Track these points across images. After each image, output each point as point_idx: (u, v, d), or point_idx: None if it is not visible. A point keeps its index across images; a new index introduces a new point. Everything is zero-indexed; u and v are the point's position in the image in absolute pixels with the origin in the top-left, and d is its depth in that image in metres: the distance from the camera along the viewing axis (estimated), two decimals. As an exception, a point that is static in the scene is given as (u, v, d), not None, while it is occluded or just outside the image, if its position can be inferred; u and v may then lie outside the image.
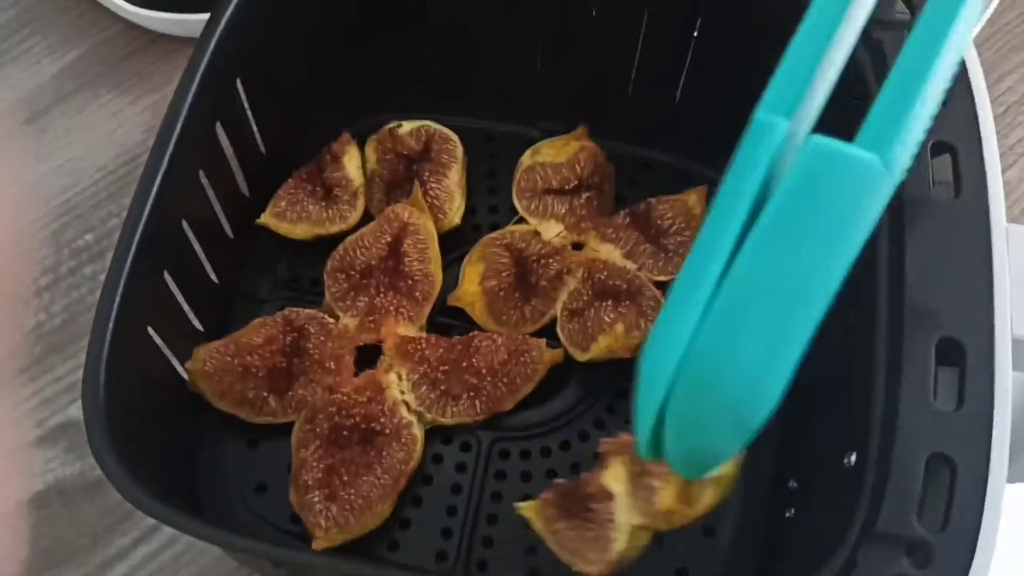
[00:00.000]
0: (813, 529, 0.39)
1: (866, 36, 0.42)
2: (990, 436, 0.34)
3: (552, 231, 0.50)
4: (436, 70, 0.53)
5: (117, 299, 0.37)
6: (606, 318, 0.47)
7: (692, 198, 0.51)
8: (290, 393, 0.45)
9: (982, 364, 0.35)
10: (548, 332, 0.48)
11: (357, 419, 0.44)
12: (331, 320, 0.47)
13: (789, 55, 0.32)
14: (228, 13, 0.43)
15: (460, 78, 0.53)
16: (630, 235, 0.50)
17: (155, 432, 0.42)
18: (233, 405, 0.45)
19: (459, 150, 0.52)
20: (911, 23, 0.41)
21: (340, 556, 0.42)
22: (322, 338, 0.46)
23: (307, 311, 0.47)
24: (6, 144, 0.58)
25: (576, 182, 0.51)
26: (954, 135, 0.39)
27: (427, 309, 0.48)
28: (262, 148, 0.50)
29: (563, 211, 0.50)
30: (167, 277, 0.41)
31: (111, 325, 0.37)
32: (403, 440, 0.44)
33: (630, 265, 0.49)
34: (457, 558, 0.43)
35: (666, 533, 0.40)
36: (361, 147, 0.52)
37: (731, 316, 0.28)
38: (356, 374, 0.46)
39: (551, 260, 0.49)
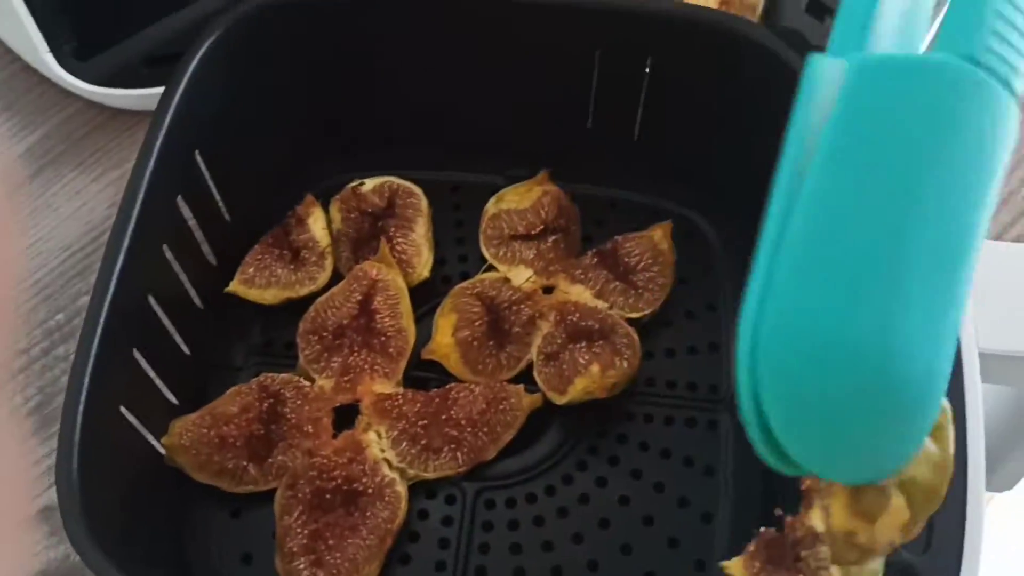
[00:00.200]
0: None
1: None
2: (965, 451, 0.34)
3: (522, 277, 0.50)
4: (395, 127, 0.53)
5: (86, 382, 0.37)
6: (581, 359, 0.47)
7: (658, 233, 0.51)
8: (270, 460, 0.45)
9: (952, 379, 0.35)
10: (525, 377, 0.48)
11: (339, 481, 0.44)
12: (307, 383, 0.47)
13: None
14: (182, 86, 0.44)
15: (420, 133, 0.53)
16: (599, 275, 0.50)
17: (135, 511, 0.42)
18: (213, 477, 0.44)
19: (424, 203, 0.52)
20: None
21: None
22: (298, 402, 0.46)
23: (282, 376, 0.47)
24: None
25: (542, 226, 0.51)
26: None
27: (402, 364, 0.48)
28: (227, 217, 0.50)
29: (531, 256, 0.51)
30: (137, 355, 0.41)
31: (81, 408, 0.37)
32: (387, 498, 0.44)
33: (601, 304, 0.49)
34: (449, 614, 0.43)
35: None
36: (325, 208, 0.52)
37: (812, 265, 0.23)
38: (335, 435, 0.46)
39: (523, 306, 0.49)
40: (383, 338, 0.48)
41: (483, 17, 0.49)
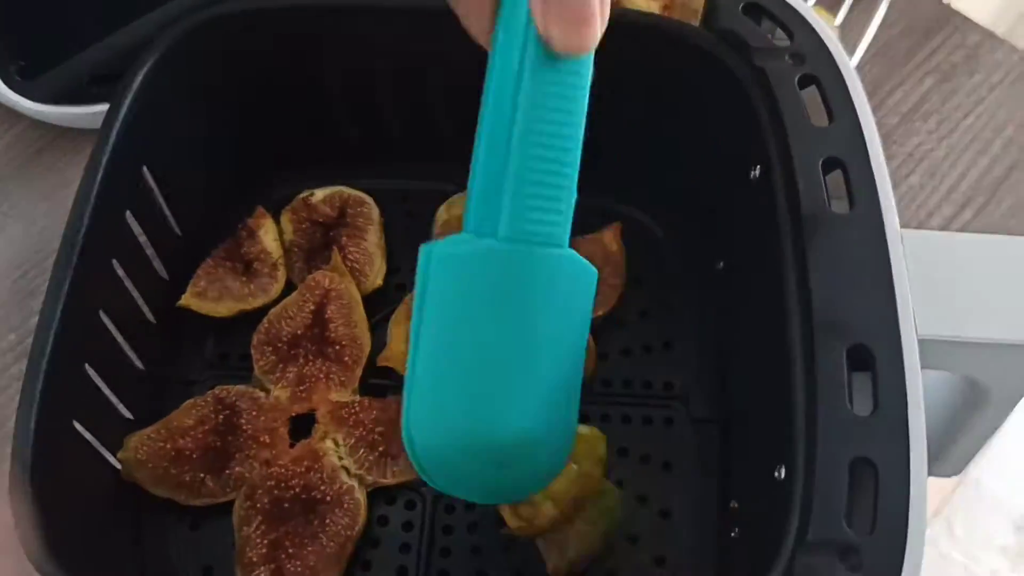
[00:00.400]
0: (754, 545, 0.40)
1: (750, 64, 0.44)
2: (907, 435, 0.35)
3: (474, 282, 0.50)
4: (344, 136, 0.54)
5: (37, 398, 0.37)
6: (535, 361, 0.47)
7: (608, 235, 0.52)
8: (227, 472, 0.45)
9: (892, 367, 0.36)
10: (481, 382, 0.48)
11: (297, 490, 0.44)
12: (262, 394, 0.47)
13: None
14: (127, 102, 0.44)
15: (369, 141, 0.54)
16: (551, 277, 0.51)
17: (92, 527, 0.42)
18: (170, 490, 0.44)
19: (375, 212, 0.52)
20: (789, 49, 0.43)
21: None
22: (254, 413, 0.46)
23: (238, 388, 0.47)
24: None
25: (493, 231, 0.51)
26: (842, 150, 0.41)
27: (358, 373, 0.48)
28: (177, 231, 0.50)
29: (483, 261, 0.51)
30: (89, 370, 0.41)
31: (33, 425, 0.36)
32: (346, 506, 0.44)
33: (554, 307, 0.50)
34: (411, 618, 0.43)
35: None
36: (277, 219, 0.52)
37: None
38: (292, 445, 0.46)
39: (476, 310, 0.49)
40: (338, 347, 0.48)
41: (423, 25, 0.49)
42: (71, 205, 0.42)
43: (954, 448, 0.46)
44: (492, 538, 0.45)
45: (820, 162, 0.41)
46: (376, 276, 0.51)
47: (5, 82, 0.57)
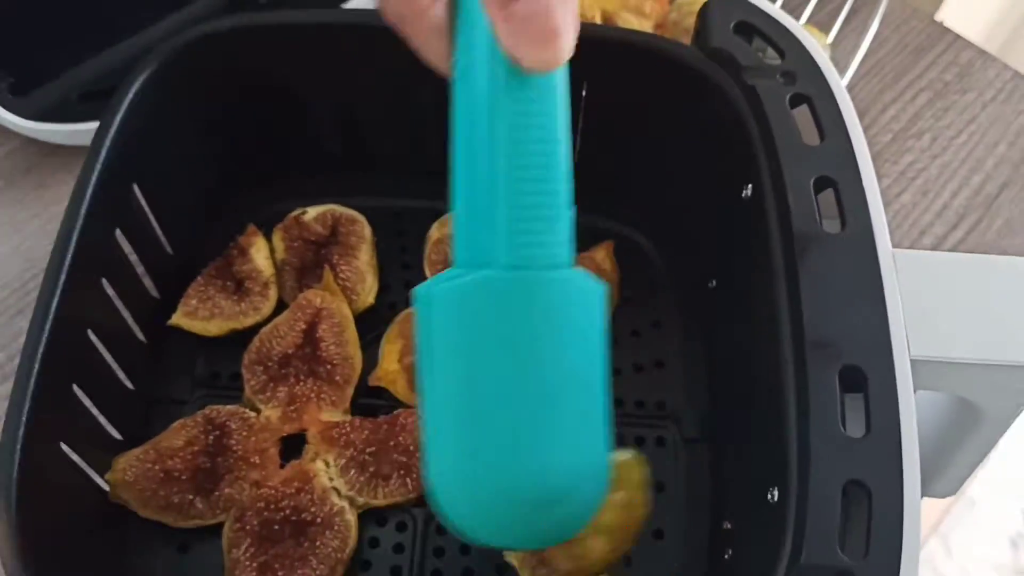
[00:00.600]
0: (747, 568, 0.39)
1: (741, 83, 0.44)
2: (900, 457, 0.34)
3: (466, 300, 0.50)
4: (335, 155, 0.53)
5: (23, 419, 0.36)
6: (527, 381, 0.47)
7: (600, 253, 0.52)
8: (216, 493, 0.44)
9: (885, 388, 0.36)
10: (472, 401, 0.48)
11: (287, 512, 0.44)
12: (252, 414, 0.46)
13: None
14: (117, 120, 0.44)
15: (360, 160, 0.54)
16: (543, 296, 0.50)
17: (79, 549, 0.41)
18: (159, 512, 0.44)
19: (367, 230, 0.52)
20: (780, 68, 0.43)
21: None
22: (244, 433, 0.45)
23: (228, 408, 0.47)
24: None
25: (485, 250, 0.51)
26: (834, 170, 0.41)
27: (349, 392, 0.47)
28: (168, 249, 0.50)
29: (475, 280, 0.51)
30: (77, 390, 0.41)
31: (19, 446, 0.36)
32: (336, 528, 0.44)
33: (546, 326, 0.49)
34: (402, 641, 0.43)
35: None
36: (268, 237, 0.52)
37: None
38: (282, 466, 0.45)
39: (468, 329, 0.49)
40: (329, 366, 0.47)
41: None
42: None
43: (948, 469, 0.46)
44: (484, 561, 0.45)
45: (811, 181, 0.40)
46: (368, 294, 0.50)
47: (-5, 99, 0.57)
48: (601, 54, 0.49)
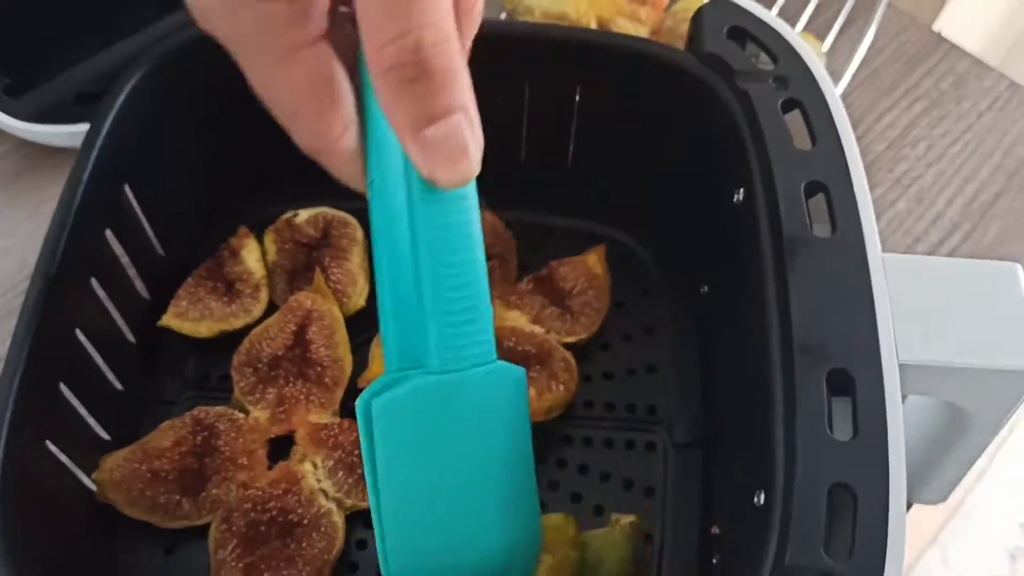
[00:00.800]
0: (734, 571, 0.39)
1: (734, 87, 0.44)
2: (887, 461, 0.34)
3: (457, 304, 0.50)
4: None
5: (7, 417, 0.36)
6: (517, 384, 0.47)
7: (592, 258, 0.52)
8: (204, 494, 0.44)
9: (872, 392, 0.36)
10: (463, 404, 0.48)
11: (274, 513, 0.43)
12: (241, 415, 0.46)
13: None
14: (109, 120, 0.44)
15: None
16: (535, 300, 0.50)
17: (65, 549, 0.41)
18: (145, 512, 0.44)
19: (358, 233, 0.52)
20: (773, 73, 0.43)
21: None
22: (232, 434, 0.45)
23: (216, 409, 0.46)
24: None
25: (477, 253, 0.51)
26: (825, 174, 0.41)
27: (339, 394, 0.47)
28: (160, 251, 0.50)
29: (467, 283, 0.51)
30: (64, 389, 0.41)
31: (3, 443, 0.36)
32: (323, 529, 0.43)
33: (538, 329, 0.49)
34: (388, 644, 0.43)
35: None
36: (260, 239, 0.52)
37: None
38: (270, 467, 0.45)
39: (459, 332, 0.49)
40: (319, 368, 0.47)
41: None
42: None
43: (938, 475, 0.46)
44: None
45: (803, 186, 0.40)
46: (359, 297, 0.50)
47: (-10, 100, 0.57)
48: (594, 59, 0.49)
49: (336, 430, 0.46)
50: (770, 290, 0.39)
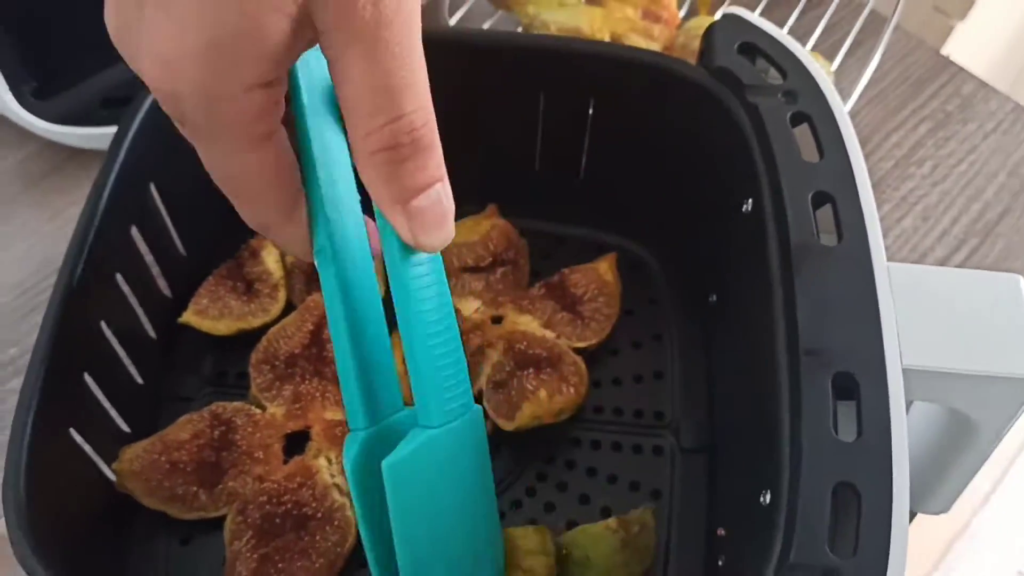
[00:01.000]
0: (740, 571, 0.40)
1: (744, 101, 0.45)
2: (890, 462, 0.35)
3: (471, 307, 0.51)
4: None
5: (35, 403, 0.37)
6: (529, 386, 0.48)
7: (603, 265, 0.53)
8: (220, 486, 0.45)
9: (876, 394, 0.36)
10: (474, 406, 0.49)
11: (288, 506, 0.44)
12: (258, 411, 0.47)
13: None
14: (136, 123, 0.45)
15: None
16: (546, 305, 0.51)
17: (85, 536, 0.42)
18: (163, 502, 0.45)
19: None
20: (782, 87, 0.44)
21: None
22: (249, 429, 0.46)
23: (234, 404, 0.47)
24: None
25: (491, 259, 0.52)
26: (832, 185, 0.42)
27: (353, 393, 0.48)
28: (182, 250, 0.51)
29: (480, 287, 0.52)
30: (88, 379, 0.42)
31: (29, 429, 0.37)
32: (336, 523, 0.44)
33: (549, 334, 0.50)
34: (398, 638, 0.43)
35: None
36: (279, 241, 0.53)
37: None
38: (285, 462, 0.46)
39: (472, 335, 0.50)
40: (334, 366, 0.48)
41: (431, 60, 0.50)
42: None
43: (942, 483, 0.46)
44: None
45: (810, 196, 0.41)
46: (374, 299, 0.51)
47: (19, 102, 0.58)
48: (607, 71, 0.50)
49: (350, 427, 0.47)
50: (777, 296, 0.40)
